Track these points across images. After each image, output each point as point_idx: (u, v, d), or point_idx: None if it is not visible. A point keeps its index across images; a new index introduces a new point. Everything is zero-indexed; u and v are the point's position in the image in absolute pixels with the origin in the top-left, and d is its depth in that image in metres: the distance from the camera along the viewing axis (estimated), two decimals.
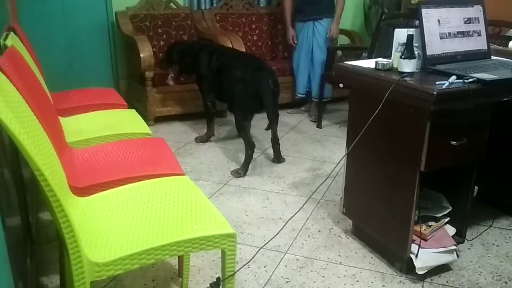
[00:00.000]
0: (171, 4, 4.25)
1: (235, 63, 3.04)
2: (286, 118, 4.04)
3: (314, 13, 3.90)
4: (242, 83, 2.86)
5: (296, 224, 2.29)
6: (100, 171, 1.71)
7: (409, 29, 1.77)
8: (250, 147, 2.90)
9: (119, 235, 1.27)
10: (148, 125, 2.29)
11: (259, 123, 3.86)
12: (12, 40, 1.96)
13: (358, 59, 3.78)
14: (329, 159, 3.15)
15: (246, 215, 2.38)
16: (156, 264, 1.96)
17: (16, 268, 1.38)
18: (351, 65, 1.98)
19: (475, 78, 1.63)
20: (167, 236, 1.25)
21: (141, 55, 3.53)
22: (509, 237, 2.19)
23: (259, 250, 1.99)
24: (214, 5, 4.44)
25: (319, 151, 3.32)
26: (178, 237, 1.25)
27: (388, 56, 1.89)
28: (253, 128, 3.43)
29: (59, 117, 2.17)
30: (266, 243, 2.00)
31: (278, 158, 3.09)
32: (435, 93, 1.54)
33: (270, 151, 3.27)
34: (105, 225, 1.32)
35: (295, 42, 4.04)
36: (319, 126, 3.86)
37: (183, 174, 1.69)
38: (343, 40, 4.54)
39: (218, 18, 4.38)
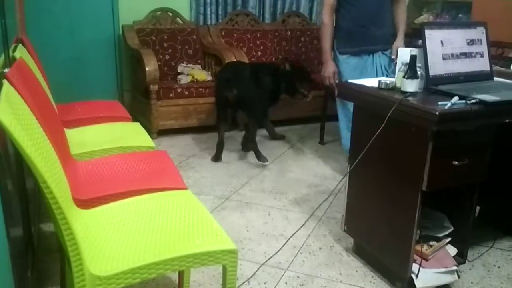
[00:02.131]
0: (178, 19, 4.30)
1: None
2: (288, 134, 4.06)
3: (382, 41, 2.78)
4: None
5: (298, 241, 2.28)
6: (103, 183, 1.72)
7: (412, 49, 1.80)
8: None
9: (121, 248, 1.28)
10: (152, 138, 2.30)
11: (264, 139, 3.89)
12: (21, 52, 1.99)
13: None
14: (331, 176, 3.15)
15: (247, 231, 2.38)
16: (157, 278, 1.95)
17: (17, 279, 1.39)
18: (355, 83, 2.00)
19: (477, 99, 1.64)
20: (169, 251, 1.26)
21: (147, 69, 3.57)
22: (511, 259, 2.18)
23: (260, 266, 1.98)
24: (220, 20, 4.49)
25: (321, 167, 3.33)
26: (180, 252, 1.25)
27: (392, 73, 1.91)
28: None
29: (64, 128, 2.19)
30: (267, 259, 2.00)
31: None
32: (437, 113, 1.55)
33: (272, 167, 3.28)
34: (107, 238, 1.33)
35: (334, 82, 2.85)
36: (321, 142, 3.88)
37: (185, 188, 1.70)
38: None
39: (223, 33, 4.43)
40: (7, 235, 1.30)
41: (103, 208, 1.51)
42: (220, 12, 4.48)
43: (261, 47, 4.55)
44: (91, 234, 1.35)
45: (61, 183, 1.26)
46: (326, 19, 2.72)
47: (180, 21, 4.31)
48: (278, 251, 2.05)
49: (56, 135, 1.72)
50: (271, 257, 2.05)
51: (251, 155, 3.42)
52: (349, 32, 2.77)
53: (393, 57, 2.72)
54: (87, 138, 2.23)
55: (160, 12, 4.21)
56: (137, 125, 2.47)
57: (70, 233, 1.15)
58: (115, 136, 2.27)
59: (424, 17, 3.77)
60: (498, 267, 2.11)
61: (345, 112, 2.94)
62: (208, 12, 4.41)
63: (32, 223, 2.07)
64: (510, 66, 2.29)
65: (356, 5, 2.71)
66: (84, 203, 1.53)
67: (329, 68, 2.80)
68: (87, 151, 2.05)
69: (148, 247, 1.28)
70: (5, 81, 1.31)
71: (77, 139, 2.17)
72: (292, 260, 2.12)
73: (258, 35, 4.55)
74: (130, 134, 2.33)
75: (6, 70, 1.57)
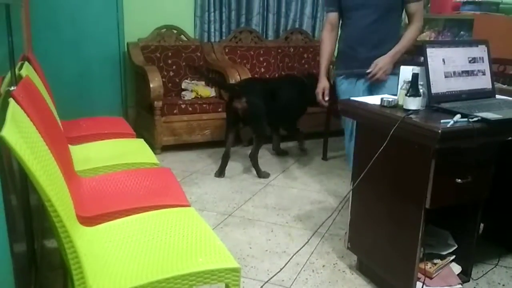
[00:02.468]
0: (182, 36, 4.35)
1: None
2: (292, 149, 4.07)
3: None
4: None
5: (301, 258, 2.27)
6: (107, 200, 1.73)
7: (414, 67, 1.81)
8: None
9: (124, 266, 1.28)
10: (155, 154, 2.32)
11: (267, 155, 3.90)
12: (27, 70, 2.02)
13: None
14: (334, 192, 3.15)
15: (250, 248, 2.38)
16: None
17: None
18: (357, 101, 2.01)
19: (479, 117, 1.65)
20: (171, 269, 1.26)
21: (151, 85, 3.60)
22: None
23: (264, 284, 1.98)
24: (224, 37, 4.54)
25: (324, 183, 3.33)
26: (183, 270, 1.25)
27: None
28: (259, 159, 3.45)
29: (68, 145, 2.20)
30: (271, 278, 1.99)
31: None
32: (440, 131, 1.56)
33: (275, 183, 3.28)
34: (110, 256, 1.33)
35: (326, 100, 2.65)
36: (324, 158, 3.88)
37: (188, 205, 1.70)
38: None
39: (227, 50, 4.47)
40: (11, 250, 1.30)
41: (107, 225, 1.52)
42: (224, 30, 4.54)
43: (264, 64, 4.59)
44: (94, 251, 1.36)
45: (65, 200, 1.27)
46: (324, 35, 2.63)
47: (185, 38, 4.35)
48: (281, 269, 2.04)
49: (61, 152, 1.73)
50: (274, 275, 2.04)
51: (252, 171, 3.42)
52: (340, 53, 2.64)
53: (368, 70, 2.44)
54: (92, 155, 2.24)
55: (164, 30, 4.27)
56: (141, 142, 2.49)
57: (73, 251, 1.16)
58: (119, 152, 2.28)
59: (426, 35, 3.80)
60: (503, 285, 2.09)
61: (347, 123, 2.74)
62: (212, 30, 4.46)
63: (35, 239, 2.07)
64: None
65: (348, 24, 2.54)
66: (88, 220, 1.53)
67: (320, 84, 2.64)
68: (91, 168, 2.06)
69: (150, 265, 1.28)
70: (11, 100, 1.33)
71: (81, 156, 2.19)
72: (296, 278, 2.11)
73: (262, 52, 4.59)
74: (134, 151, 2.34)
75: (12, 88, 1.59)
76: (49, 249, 2.28)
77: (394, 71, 2.38)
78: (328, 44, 2.63)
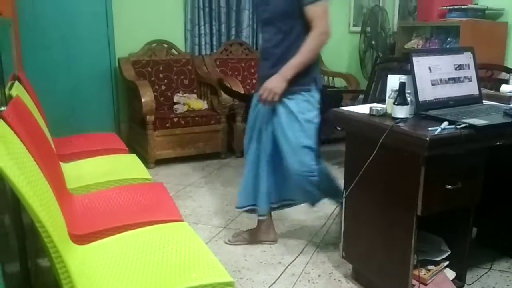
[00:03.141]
0: (173, 50, 4.37)
1: None
2: None
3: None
4: None
5: (296, 268, 2.27)
6: (99, 218, 1.73)
7: (401, 76, 1.83)
8: None
9: (117, 284, 1.28)
10: (149, 168, 2.32)
11: None
12: (17, 90, 2.03)
13: (355, 101, 3.87)
14: (328, 201, 3.15)
15: (245, 260, 2.37)
16: None
17: None
18: (347, 110, 2.03)
19: (466, 124, 1.67)
20: (165, 286, 1.26)
21: (143, 100, 3.61)
22: (510, 280, 2.17)
23: None
24: (214, 50, 4.57)
25: None
26: (176, 286, 1.26)
27: (383, 99, 1.94)
28: None
29: (60, 162, 2.20)
30: None
31: None
32: (428, 139, 1.58)
33: None
34: (103, 274, 1.33)
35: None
36: None
37: (181, 220, 1.71)
38: (340, 82, 4.64)
39: (218, 63, 4.50)
40: (2, 271, 1.30)
41: (99, 243, 1.52)
42: (214, 43, 4.56)
43: (255, 75, 4.61)
44: (87, 270, 1.36)
45: (56, 220, 1.27)
46: None
47: (176, 52, 4.38)
48: (276, 280, 2.04)
49: (52, 170, 1.73)
50: (269, 286, 2.04)
51: None
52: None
53: (259, 92, 2.14)
54: (84, 172, 2.24)
55: (155, 44, 4.29)
56: (133, 157, 2.49)
57: (65, 271, 1.16)
58: (112, 168, 2.29)
59: (414, 42, 3.85)
60: None
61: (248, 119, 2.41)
62: (203, 43, 4.49)
63: (29, 259, 2.06)
64: (500, 88, 2.32)
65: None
66: (80, 239, 1.53)
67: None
68: (84, 185, 2.06)
69: (144, 283, 1.28)
70: (0, 121, 1.33)
71: (73, 173, 2.19)
72: None
73: (252, 63, 4.62)
74: (127, 166, 2.35)
75: (2, 108, 1.60)
76: (44, 268, 2.27)
77: (292, 91, 2.12)
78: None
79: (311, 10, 2.03)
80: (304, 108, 2.16)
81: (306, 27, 2.06)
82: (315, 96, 2.20)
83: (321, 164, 2.35)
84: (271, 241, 2.53)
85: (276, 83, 2.08)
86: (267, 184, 2.33)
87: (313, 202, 2.45)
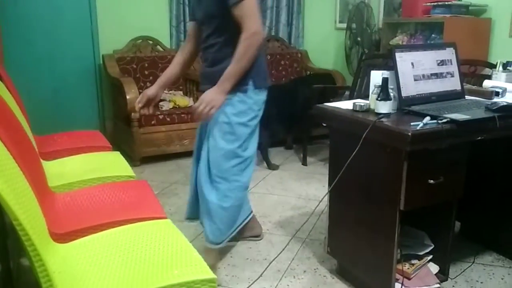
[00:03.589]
0: (158, 46, 4.34)
1: None
2: (271, 155, 4.07)
3: (209, 79, 2.05)
4: None
5: (282, 264, 2.28)
6: (81, 216, 1.71)
7: (384, 71, 1.84)
8: None
9: (98, 282, 1.26)
10: (134, 166, 2.30)
11: None
12: None
13: (341, 97, 3.87)
14: (314, 197, 3.17)
15: (231, 257, 2.37)
16: None
17: None
18: (331, 106, 2.03)
19: (448, 119, 1.68)
20: (146, 283, 1.25)
21: (127, 97, 3.58)
22: (493, 274, 2.20)
23: None
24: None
25: (304, 188, 3.34)
26: (158, 283, 1.24)
27: (369, 95, 1.94)
28: None
29: (42, 160, 2.17)
30: (250, 285, 1.99)
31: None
32: (410, 134, 1.58)
33: (255, 190, 3.29)
34: (85, 273, 1.31)
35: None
36: (304, 163, 3.90)
37: (165, 218, 1.69)
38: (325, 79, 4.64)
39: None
40: None
41: (81, 241, 1.50)
42: None
43: None
44: (68, 268, 1.34)
45: (36, 218, 1.25)
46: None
47: (161, 49, 4.35)
48: (259, 277, 2.04)
49: (32, 168, 1.71)
50: (253, 282, 2.04)
51: None
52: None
53: (194, 105, 2.00)
54: (66, 170, 2.22)
55: (140, 41, 4.26)
56: (117, 155, 2.47)
57: (43, 270, 1.14)
58: (95, 166, 2.26)
59: (399, 38, 3.86)
60: (481, 282, 2.13)
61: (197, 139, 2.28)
62: None
63: (11, 258, 2.03)
64: (482, 83, 2.34)
65: None
66: (62, 237, 1.51)
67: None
68: (66, 183, 2.04)
69: (125, 280, 1.27)
70: None
71: (56, 171, 2.16)
72: (277, 285, 2.11)
73: None
74: (110, 164, 2.32)
75: None
76: (26, 268, 2.24)
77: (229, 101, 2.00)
78: (178, 54, 2.29)
79: (237, 11, 1.89)
80: (239, 110, 2.04)
81: (238, 27, 1.92)
82: (253, 96, 2.05)
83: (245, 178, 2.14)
84: (256, 235, 2.53)
85: (213, 96, 1.95)
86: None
87: (213, 234, 2.14)
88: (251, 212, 2.42)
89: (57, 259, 1.36)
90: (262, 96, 2.11)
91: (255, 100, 2.07)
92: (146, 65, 4.19)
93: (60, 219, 1.66)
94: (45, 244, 1.30)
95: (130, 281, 1.27)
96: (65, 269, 1.33)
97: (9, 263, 1.98)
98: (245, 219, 2.32)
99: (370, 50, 4.26)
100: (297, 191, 3.30)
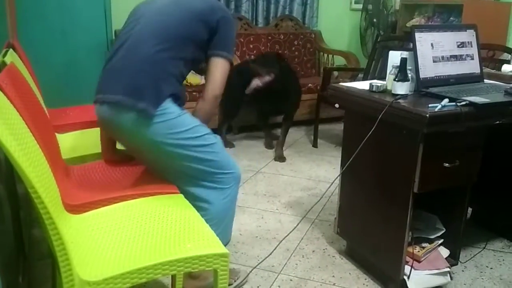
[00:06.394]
0: None
1: None
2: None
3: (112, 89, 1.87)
4: None
5: (291, 244, 2.28)
6: (95, 188, 1.71)
7: (402, 52, 1.80)
8: None
9: (111, 253, 1.27)
10: None
11: (258, 142, 3.91)
12: (11, 57, 1.98)
13: (354, 79, 3.83)
14: (324, 179, 3.16)
15: (240, 234, 2.38)
16: (149, 283, 1.94)
17: (7, 285, 1.38)
18: (346, 86, 2.01)
19: (467, 101, 1.65)
20: (159, 255, 1.25)
21: None
22: (503, 260, 2.19)
23: (252, 270, 1.98)
24: None
25: (315, 170, 3.34)
26: (170, 256, 1.25)
27: (384, 77, 1.92)
28: (250, 147, 3.48)
29: (55, 133, 2.18)
30: (260, 262, 2.00)
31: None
32: (427, 115, 1.56)
33: (266, 170, 3.29)
34: (98, 243, 1.32)
35: None
36: (315, 145, 3.88)
37: (178, 193, 1.69)
38: (340, 60, 4.59)
39: None
40: None
41: (94, 212, 1.50)
42: None
43: (254, 51, 4.55)
44: (81, 239, 1.35)
45: (51, 189, 1.25)
46: None
47: None
48: (270, 254, 2.05)
49: (47, 140, 1.71)
50: (263, 260, 2.05)
51: (243, 159, 3.43)
52: None
53: None
54: (79, 143, 2.22)
55: None
56: None
57: (59, 238, 1.15)
58: None
59: (416, 20, 3.79)
60: (491, 268, 2.12)
61: None
62: None
63: (23, 229, 2.06)
64: (501, 68, 2.29)
65: None
66: (75, 208, 1.52)
67: None
68: (79, 156, 2.04)
69: (138, 252, 1.28)
70: None
71: (69, 144, 2.17)
72: (285, 263, 2.12)
73: (251, 39, 4.55)
74: None
75: None
76: (38, 238, 2.27)
77: None
78: None
79: (214, 62, 1.80)
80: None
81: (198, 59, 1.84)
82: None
83: None
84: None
85: None
86: None
87: None
88: None
89: (71, 229, 1.37)
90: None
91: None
92: None
93: (73, 191, 1.67)
94: (60, 214, 1.30)
95: (143, 253, 1.27)
96: (77, 239, 1.34)
97: (22, 233, 2.00)
98: None
99: (386, 32, 4.19)
100: (307, 172, 3.29)
